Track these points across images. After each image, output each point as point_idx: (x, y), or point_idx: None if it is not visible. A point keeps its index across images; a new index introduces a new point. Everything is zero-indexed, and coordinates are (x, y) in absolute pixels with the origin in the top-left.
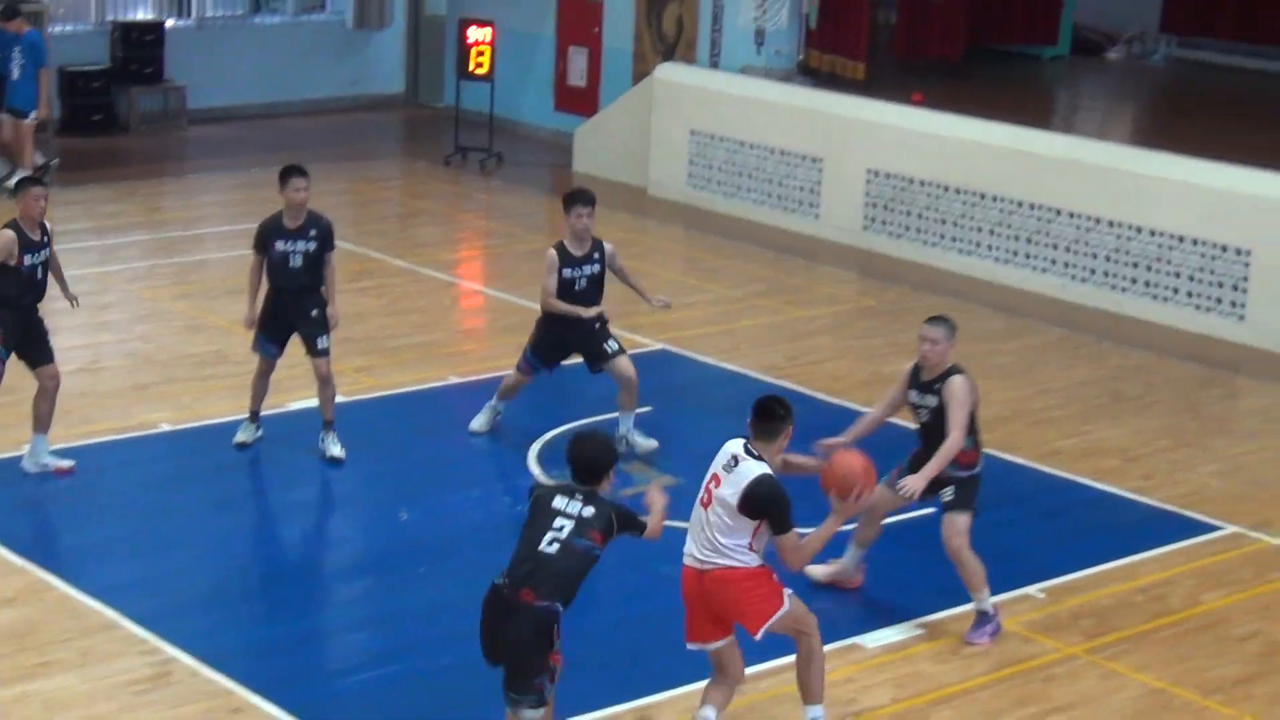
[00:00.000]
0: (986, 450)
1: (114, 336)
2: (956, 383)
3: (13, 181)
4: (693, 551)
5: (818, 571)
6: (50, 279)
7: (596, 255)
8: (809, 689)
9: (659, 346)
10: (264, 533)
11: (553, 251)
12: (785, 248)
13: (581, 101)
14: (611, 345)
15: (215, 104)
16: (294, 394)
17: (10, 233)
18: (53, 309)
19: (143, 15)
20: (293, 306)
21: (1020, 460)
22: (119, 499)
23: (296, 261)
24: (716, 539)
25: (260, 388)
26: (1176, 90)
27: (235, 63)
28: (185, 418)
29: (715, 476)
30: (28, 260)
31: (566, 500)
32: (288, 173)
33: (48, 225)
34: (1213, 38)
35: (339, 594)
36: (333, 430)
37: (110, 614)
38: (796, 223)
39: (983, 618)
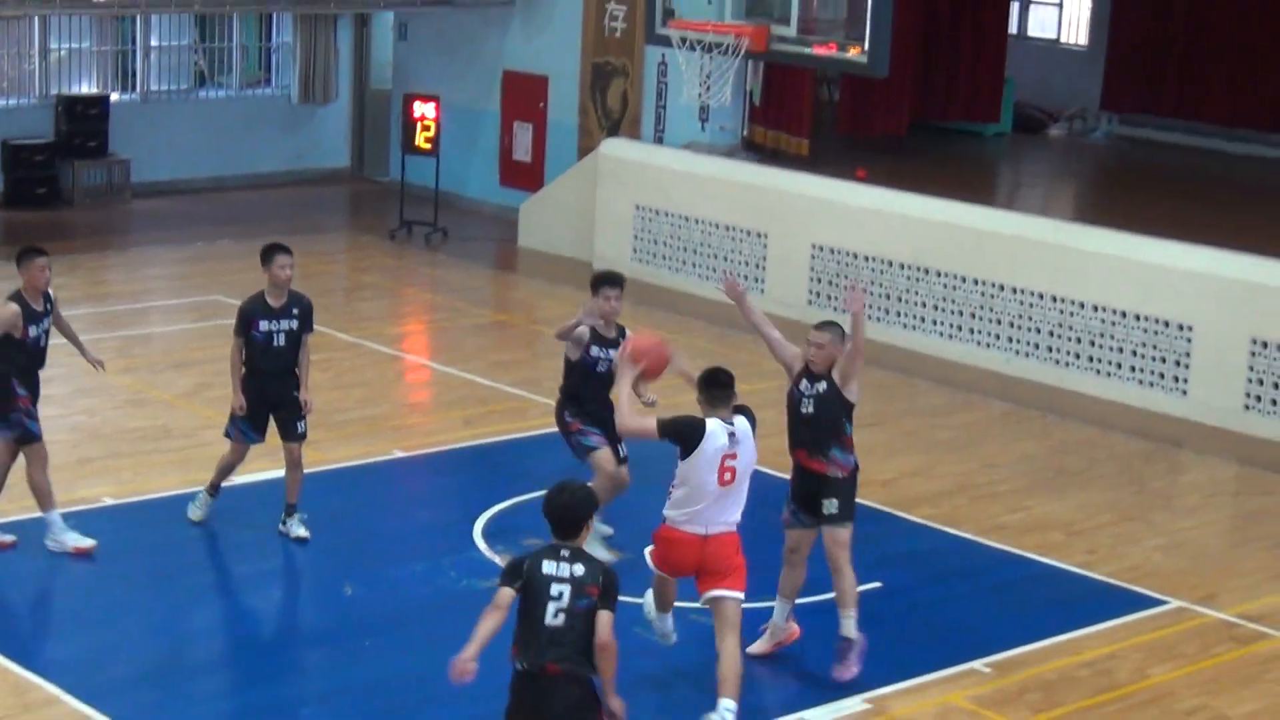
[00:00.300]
0: (931, 524)
1: (57, 410)
2: None
3: None
4: (701, 525)
5: (757, 647)
6: (60, 346)
7: (620, 340)
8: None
9: None
10: (208, 608)
11: (585, 329)
12: (731, 322)
13: (527, 176)
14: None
15: (160, 178)
16: (238, 468)
17: (14, 305)
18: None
19: (87, 89)
20: (275, 389)
21: (965, 535)
22: (61, 573)
23: (280, 341)
24: (735, 508)
25: (229, 466)
26: (1118, 167)
27: (180, 137)
28: (128, 492)
29: (727, 456)
30: (32, 331)
31: (555, 564)
32: (273, 250)
33: (51, 293)
34: (1153, 115)
35: (285, 669)
36: (296, 513)
37: (52, 689)
38: None
39: (846, 645)
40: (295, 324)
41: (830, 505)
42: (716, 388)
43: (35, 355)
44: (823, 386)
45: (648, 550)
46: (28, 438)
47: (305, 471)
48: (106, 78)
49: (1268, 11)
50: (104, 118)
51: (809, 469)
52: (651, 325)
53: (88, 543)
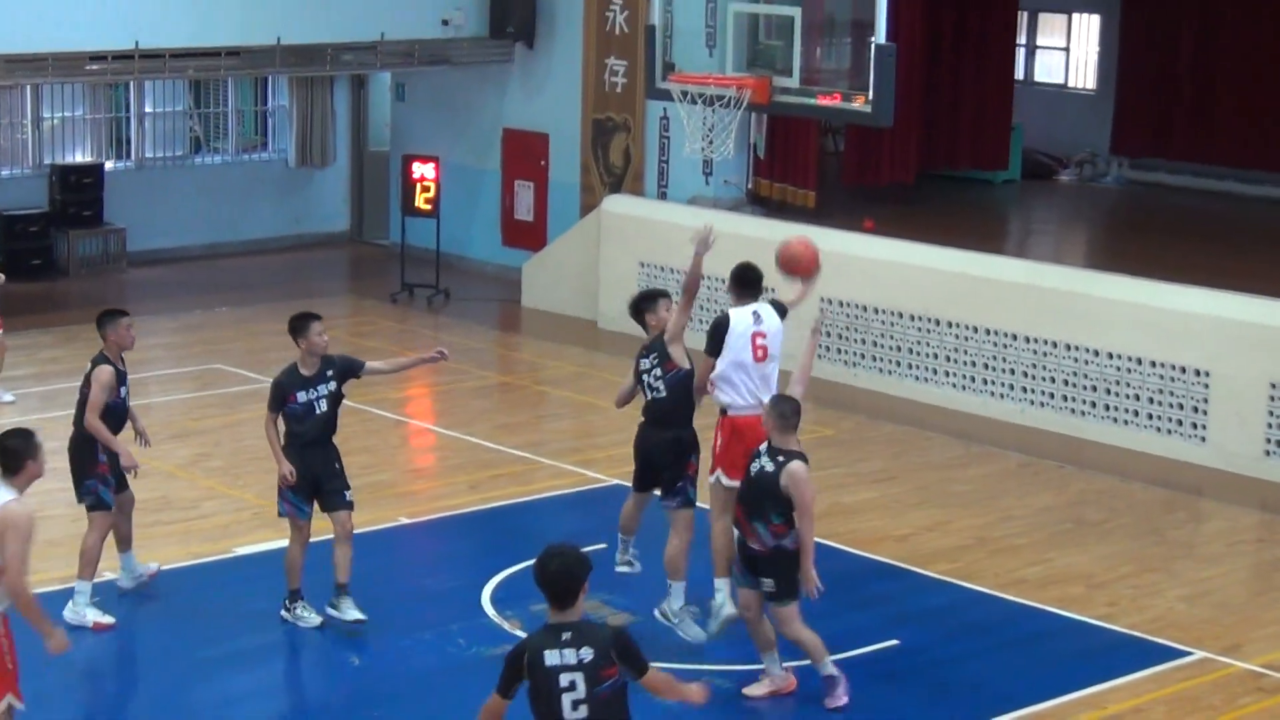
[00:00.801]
0: (949, 579)
1: (59, 484)
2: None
3: None
4: (759, 399)
5: (753, 690)
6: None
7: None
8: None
9: (614, 482)
10: (214, 682)
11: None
12: None
13: (529, 235)
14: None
15: (156, 246)
16: (240, 539)
17: (109, 368)
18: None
19: (81, 158)
20: (318, 458)
21: (984, 589)
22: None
23: (322, 407)
24: (769, 389)
25: (296, 561)
26: (1129, 212)
27: (176, 204)
28: None
29: (756, 335)
30: (121, 392)
31: (559, 652)
32: (305, 319)
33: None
34: (1164, 158)
35: None
36: (347, 593)
37: None
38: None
39: (831, 681)
40: (334, 384)
41: (767, 584)
42: (745, 284)
43: (121, 418)
44: (769, 465)
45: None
46: (99, 505)
47: (311, 541)
48: (100, 146)
49: (1275, 51)
50: (98, 186)
51: (742, 532)
52: None
53: (107, 619)
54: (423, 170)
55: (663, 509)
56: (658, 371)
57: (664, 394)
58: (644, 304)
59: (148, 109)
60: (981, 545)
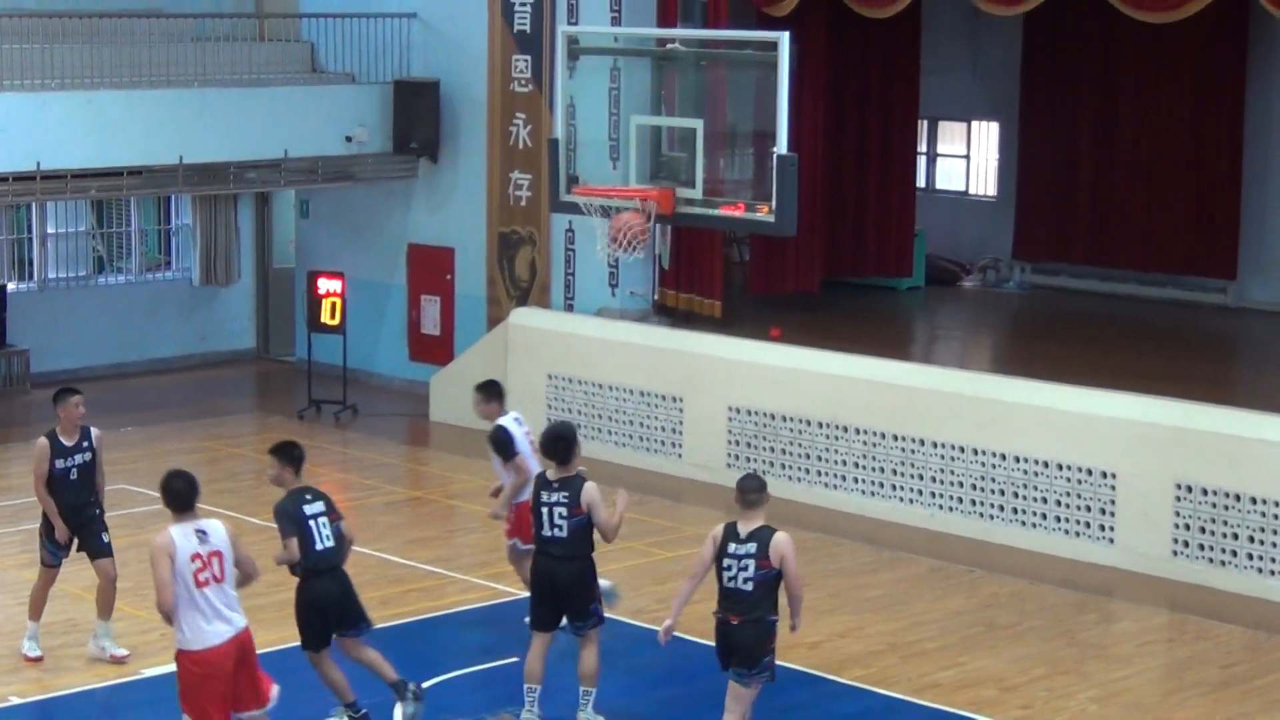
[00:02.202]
0: (862, 685)
1: None
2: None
3: None
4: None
5: None
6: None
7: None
8: None
9: (524, 595)
10: None
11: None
12: (649, 488)
13: (436, 349)
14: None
15: (60, 367)
16: (148, 660)
17: (44, 440)
18: None
19: None
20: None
21: (897, 695)
22: None
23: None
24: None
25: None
26: (1033, 316)
27: (80, 324)
28: (36, 690)
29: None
30: (59, 465)
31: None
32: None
33: (92, 432)
34: (1066, 262)
35: None
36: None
37: None
38: (659, 463)
39: None
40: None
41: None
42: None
43: (64, 487)
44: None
45: None
46: (45, 562)
47: None
48: (3, 267)
49: (1171, 157)
50: (1, 308)
51: None
52: None
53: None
54: (329, 286)
55: (574, 633)
56: (563, 511)
57: (565, 535)
58: (575, 442)
59: (50, 229)
60: (894, 650)
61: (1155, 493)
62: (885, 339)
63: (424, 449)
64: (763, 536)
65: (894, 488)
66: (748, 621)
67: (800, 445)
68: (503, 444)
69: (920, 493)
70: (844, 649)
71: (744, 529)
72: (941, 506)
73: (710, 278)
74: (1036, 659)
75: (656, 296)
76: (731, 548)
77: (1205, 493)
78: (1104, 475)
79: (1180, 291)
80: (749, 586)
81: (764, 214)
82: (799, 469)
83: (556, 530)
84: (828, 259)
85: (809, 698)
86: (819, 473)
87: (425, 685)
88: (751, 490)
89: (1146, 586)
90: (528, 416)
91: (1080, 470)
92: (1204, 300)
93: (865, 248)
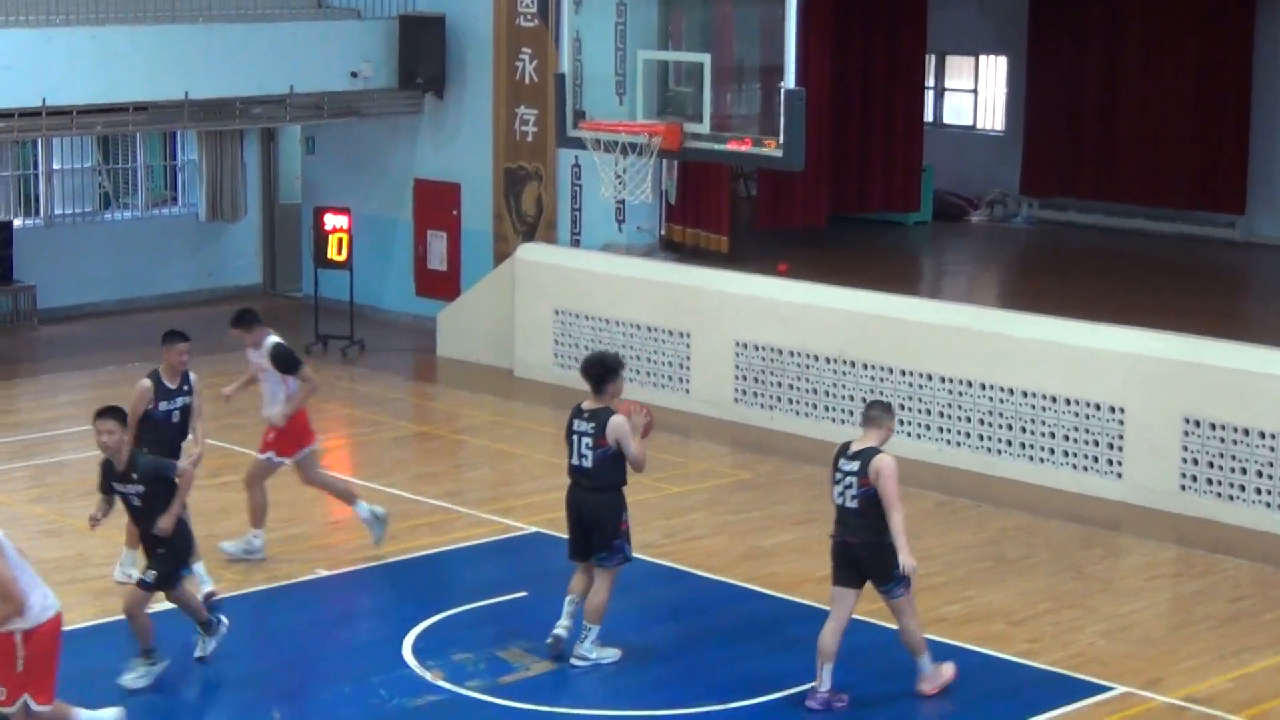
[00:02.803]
0: (870, 620)
1: None
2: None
3: None
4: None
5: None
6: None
7: None
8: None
9: (533, 530)
10: None
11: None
12: (657, 423)
13: (443, 285)
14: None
15: (67, 303)
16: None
17: (147, 381)
18: None
19: None
20: None
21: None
22: None
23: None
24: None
25: None
26: (1040, 251)
27: (87, 260)
28: None
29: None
30: (162, 406)
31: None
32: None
33: (191, 377)
34: (1073, 197)
35: None
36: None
37: None
38: (667, 398)
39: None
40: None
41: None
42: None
43: (165, 429)
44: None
45: None
46: None
47: (227, 595)
48: (9, 203)
49: (1177, 91)
50: (7, 244)
51: None
52: None
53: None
54: (335, 221)
55: (596, 565)
56: (589, 442)
57: (590, 465)
58: (613, 372)
59: (56, 166)
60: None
61: (1163, 427)
62: (892, 274)
63: (431, 384)
64: (867, 455)
65: (901, 423)
66: (864, 544)
67: (807, 380)
68: (287, 356)
69: (928, 428)
70: None
71: (855, 447)
72: (949, 441)
73: (717, 213)
74: (1044, 593)
75: (663, 232)
76: (841, 463)
77: (1214, 427)
78: (1112, 410)
79: (1189, 226)
80: (855, 504)
81: (771, 149)
82: (806, 404)
83: (583, 460)
84: (835, 194)
85: (816, 632)
86: (826, 408)
87: (433, 620)
88: (872, 408)
89: (1154, 521)
90: (535, 352)
91: (1088, 405)
92: (1212, 235)
93: (872, 182)
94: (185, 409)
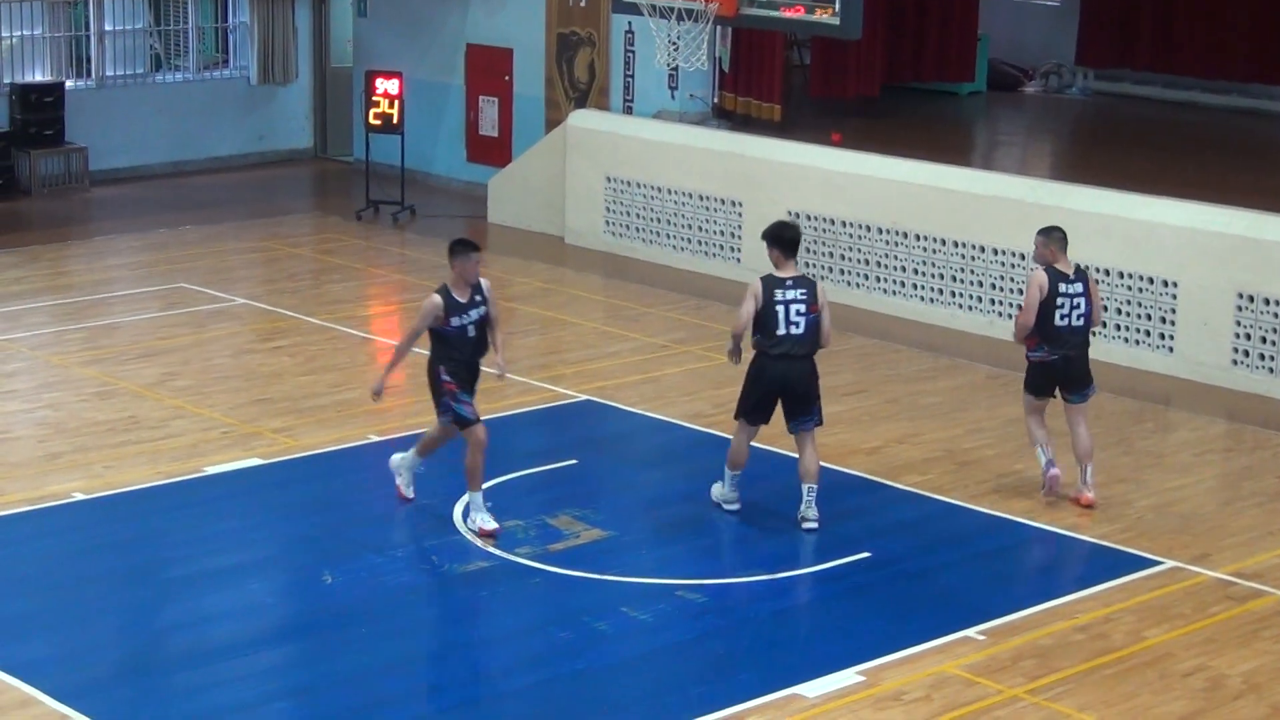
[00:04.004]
0: (919, 491)
1: (21, 405)
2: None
3: None
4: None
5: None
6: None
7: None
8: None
9: (583, 397)
10: (185, 602)
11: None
12: (707, 293)
13: (494, 151)
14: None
15: (118, 165)
16: (209, 458)
17: (436, 298)
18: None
19: (41, 77)
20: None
21: (954, 501)
22: (33, 571)
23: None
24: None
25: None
26: (1095, 123)
27: (138, 122)
28: (99, 486)
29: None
30: (455, 321)
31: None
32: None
33: (484, 284)
34: (1129, 69)
35: (264, 662)
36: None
37: (28, 690)
38: (718, 267)
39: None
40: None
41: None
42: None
43: (461, 345)
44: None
45: None
46: (461, 421)
47: (280, 459)
48: (61, 65)
49: None
50: (59, 105)
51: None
52: (626, 297)
53: (492, 525)
54: (386, 86)
55: (797, 431)
56: (801, 308)
57: (801, 331)
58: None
59: (107, 27)
60: (951, 457)
61: (1216, 302)
62: (946, 144)
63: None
64: (1086, 277)
65: (953, 294)
66: (1083, 355)
67: (859, 251)
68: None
69: (979, 300)
70: (901, 455)
71: (1069, 270)
72: (1000, 314)
73: (770, 81)
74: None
75: (716, 100)
76: (1062, 288)
77: (1267, 302)
78: (1165, 284)
79: (1245, 99)
80: (1082, 322)
81: (827, 16)
82: (858, 274)
83: (792, 328)
84: (889, 63)
85: (867, 503)
86: (878, 279)
87: (484, 487)
88: (1056, 230)
89: (1205, 396)
90: (586, 220)
91: (1141, 278)
92: (1269, 108)
93: (927, 51)
94: (480, 321)
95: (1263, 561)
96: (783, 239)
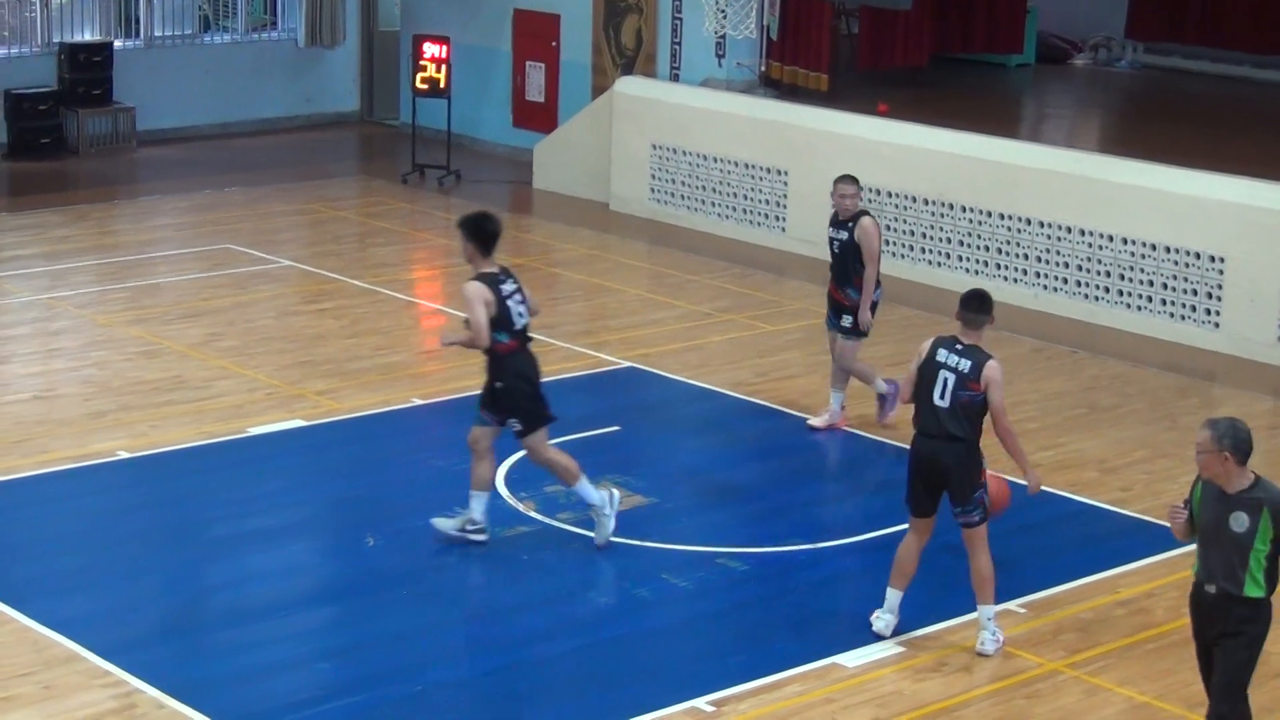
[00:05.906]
0: None
1: (67, 363)
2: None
3: None
4: None
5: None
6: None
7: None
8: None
9: (627, 364)
10: (227, 561)
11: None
12: (752, 261)
13: (540, 117)
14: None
15: (166, 125)
16: (254, 419)
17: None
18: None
19: (90, 37)
20: None
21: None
22: (78, 529)
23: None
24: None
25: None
26: (1144, 96)
27: (185, 83)
28: (143, 445)
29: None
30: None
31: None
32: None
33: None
34: (1179, 43)
35: (305, 623)
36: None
37: (72, 646)
38: (763, 236)
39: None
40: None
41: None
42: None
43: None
44: (844, 235)
45: None
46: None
47: (323, 420)
48: (109, 25)
49: None
50: (107, 65)
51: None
52: (670, 265)
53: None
54: (433, 50)
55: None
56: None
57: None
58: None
59: None
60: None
61: (1263, 278)
62: (993, 116)
63: (527, 216)
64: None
65: (999, 266)
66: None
67: (905, 222)
68: None
69: (1025, 272)
70: None
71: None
72: (1046, 287)
73: (818, 51)
74: (1137, 442)
75: (763, 68)
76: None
77: None
78: (1212, 259)
79: None
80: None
81: None
82: (903, 245)
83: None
84: (937, 34)
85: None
86: (923, 250)
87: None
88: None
89: (1250, 372)
90: (631, 187)
91: (1188, 254)
92: None
93: (975, 23)
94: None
95: None
96: (484, 232)
